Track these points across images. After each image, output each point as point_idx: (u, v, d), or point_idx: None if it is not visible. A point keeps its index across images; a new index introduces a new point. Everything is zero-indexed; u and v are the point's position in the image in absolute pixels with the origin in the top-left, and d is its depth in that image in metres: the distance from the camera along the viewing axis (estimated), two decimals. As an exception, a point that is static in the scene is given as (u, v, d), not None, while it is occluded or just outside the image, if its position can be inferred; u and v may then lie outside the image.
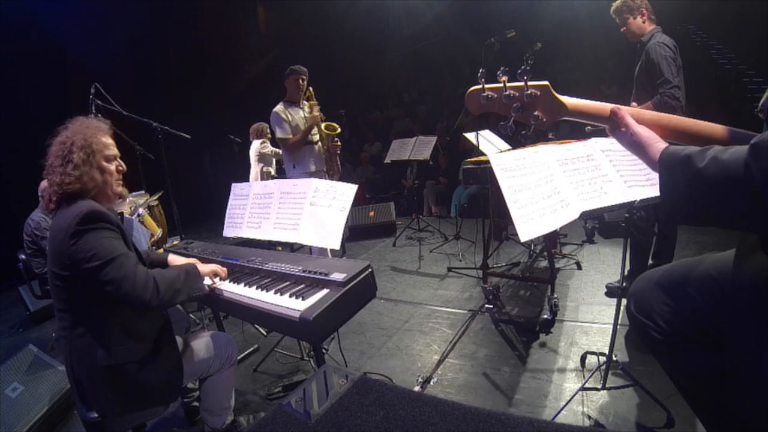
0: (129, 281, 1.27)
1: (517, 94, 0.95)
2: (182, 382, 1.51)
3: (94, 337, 1.31)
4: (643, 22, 2.57)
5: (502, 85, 0.96)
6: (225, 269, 1.72)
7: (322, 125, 3.29)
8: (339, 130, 3.36)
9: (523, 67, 0.93)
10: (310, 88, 3.28)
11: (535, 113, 0.95)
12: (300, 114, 3.27)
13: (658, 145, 0.91)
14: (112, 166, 1.43)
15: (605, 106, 0.98)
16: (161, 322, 1.48)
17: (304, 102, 3.30)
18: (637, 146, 0.94)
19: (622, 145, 0.99)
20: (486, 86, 0.97)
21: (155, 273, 1.37)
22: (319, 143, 3.33)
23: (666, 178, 0.86)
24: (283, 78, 3.30)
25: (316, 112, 3.23)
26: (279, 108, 3.22)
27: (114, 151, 1.45)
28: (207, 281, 1.65)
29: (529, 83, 0.94)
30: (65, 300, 1.32)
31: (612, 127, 0.99)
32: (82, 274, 1.25)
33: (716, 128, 0.93)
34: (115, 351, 1.32)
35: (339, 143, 3.37)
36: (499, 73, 0.96)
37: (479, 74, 0.97)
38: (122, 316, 1.35)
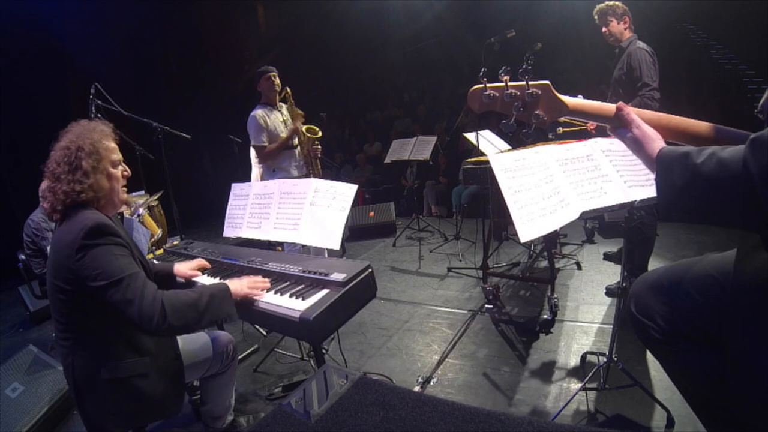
0: (134, 306, 1.19)
1: (518, 93, 0.96)
2: (183, 395, 1.49)
3: (97, 352, 1.27)
4: (625, 29, 2.72)
5: (503, 84, 0.96)
6: (266, 280, 1.56)
7: (303, 128, 3.20)
8: (320, 133, 3.28)
9: (524, 67, 0.94)
10: (288, 89, 3.17)
11: (536, 112, 0.96)
12: (279, 117, 3.16)
13: (658, 142, 0.91)
14: (118, 172, 1.39)
15: (607, 106, 0.99)
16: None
17: (281, 104, 3.21)
18: (637, 143, 0.94)
19: (623, 142, 0.99)
20: (488, 85, 0.98)
21: (167, 296, 1.25)
22: (299, 147, 3.24)
23: (663, 173, 0.86)
24: (255, 80, 3.16)
25: (299, 124, 3.14)
26: (258, 113, 3.05)
27: (119, 155, 1.41)
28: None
29: (530, 83, 0.95)
30: (67, 314, 1.26)
31: (614, 126, 0.99)
32: (86, 291, 1.20)
33: (702, 125, 0.94)
34: (118, 365, 1.28)
35: (319, 146, 3.28)
36: (500, 72, 0.96)
37: (480, 74, 0.97)
38: (126, 331, 1.31)
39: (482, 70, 0.98)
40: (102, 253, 1.21)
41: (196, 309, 1.29)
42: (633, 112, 0.96)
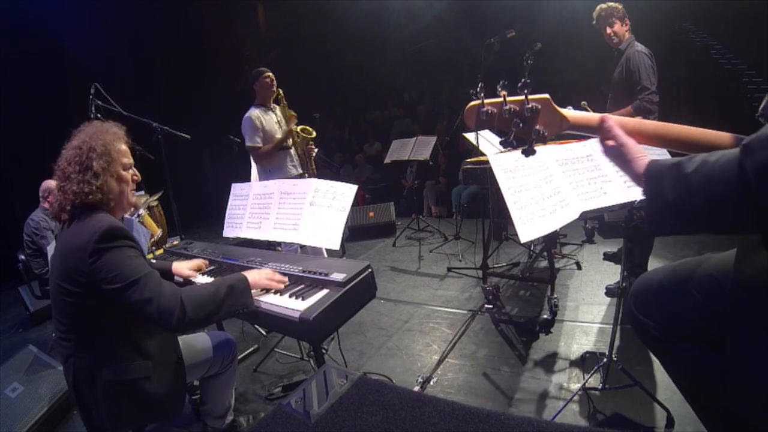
0: (153, 303, 1.19)
1: (517, 109, 0.92)
2: (184, 398, 1.49)
3: (99, 353, 1.26)
4: (626, 30, 2.75)
5: (501, 99, 0.93)
6: (285, 278, 1.52)
7: (297, 128, 3.20)
8: (314, 134, 3.27)
9: (523, 80, 0.90)
10: (280, 90, 3.16)
11: (536, 127, 0.92)
12: (273, 118, 3.16)
13: (644, 158, 0.89)
14: (129, 175, 1.39)
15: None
16: (170, 336, 1.44)
17: (275, 105, 3.20)
18: (623, 159, 0.92)
19: (607, 156, 0.96)
20: (485, 101, 0.94)
21: (185, 292, 1.26)
22: (293, 149, 3.24)
23: (652, 187, 0.83)
24: (251, 81, 3.14)
25: (293, 125, 3.14)
26: (254, 113, 3.04)
27: (130, 159, 1.40)
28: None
29: (529, 96, 0.92)
30: (72, 316, 1.25)
31: (601, 138, 0.97)
32: (100, 294, 1.19)
33: (722, 136, 0.90)
34: (120, 367, 1.27)
35: (314, 146, 3.28)
36: (498, 87, 0.93)
37: (478, 89, 0.94)
38: (132, 333, 1.30)
39: (479, 85, 0.94)
40: (117, 256, 1.21)
41: (215, 301, 1.29)
42: (616, 126, 0.93)
